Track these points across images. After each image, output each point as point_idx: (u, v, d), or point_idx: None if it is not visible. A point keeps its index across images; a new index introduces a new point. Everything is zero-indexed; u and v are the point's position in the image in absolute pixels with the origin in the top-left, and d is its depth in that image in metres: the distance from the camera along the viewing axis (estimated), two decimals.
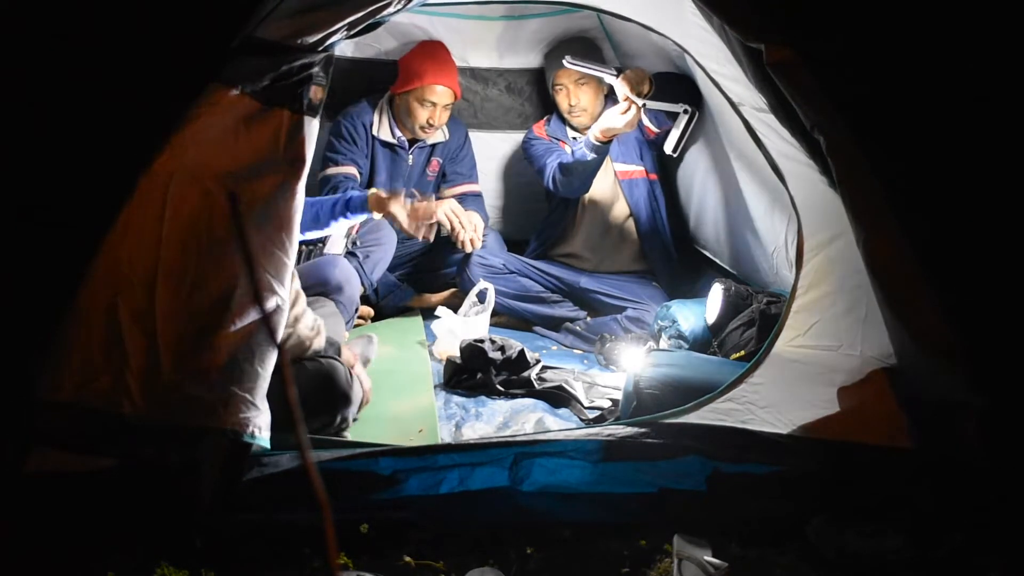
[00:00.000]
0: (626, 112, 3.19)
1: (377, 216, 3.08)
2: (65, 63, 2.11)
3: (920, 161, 2.10)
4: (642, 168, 3.68)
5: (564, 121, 3.77)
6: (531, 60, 4.12)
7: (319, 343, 2.43)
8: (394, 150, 3.78)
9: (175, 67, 2.09)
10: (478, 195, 3.96)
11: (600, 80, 3.54)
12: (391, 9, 2.19)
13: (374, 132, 3.73)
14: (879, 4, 2.20)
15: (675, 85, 3.26)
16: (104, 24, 2.13)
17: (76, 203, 2.09)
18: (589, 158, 3.41)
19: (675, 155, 3.19)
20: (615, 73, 3.16)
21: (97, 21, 2.13)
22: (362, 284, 3.38)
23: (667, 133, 3.18)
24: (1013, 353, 2.03)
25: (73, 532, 1.95)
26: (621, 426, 2.26)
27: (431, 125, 3.66)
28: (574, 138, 3.69)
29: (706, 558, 1.93)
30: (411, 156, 3.80)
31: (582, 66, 3.22)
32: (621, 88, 3.13)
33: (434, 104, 3.62)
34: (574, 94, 3.61)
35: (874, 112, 2.09)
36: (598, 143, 3.35)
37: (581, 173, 3.52)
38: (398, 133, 3.75)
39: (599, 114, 3.53)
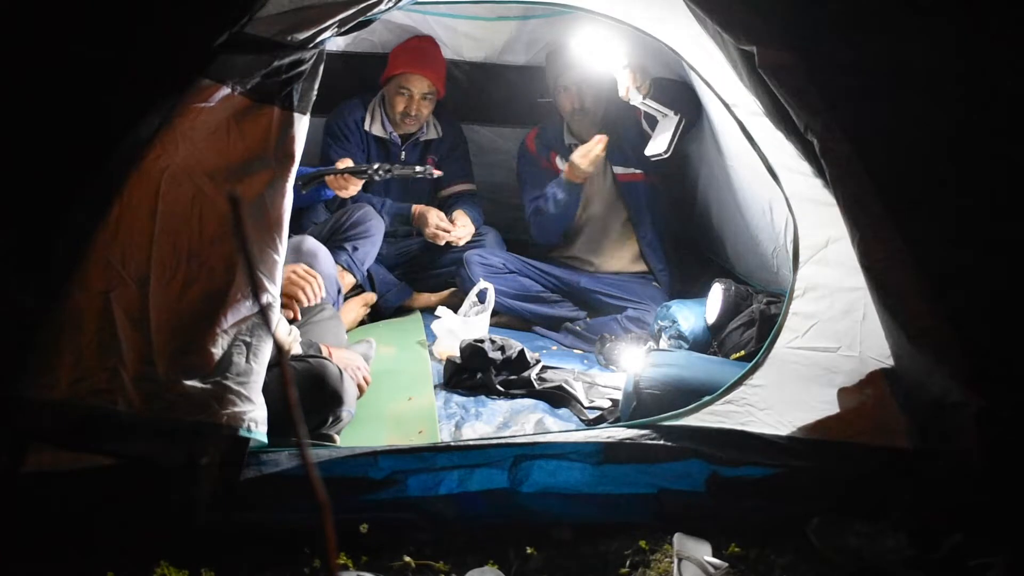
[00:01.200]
0: (588, 153, 3.36)
1: None
2: (54, 60, 2.11)
3: (914, 161, 2.10)
4: (641, 172, 3.68)
5: (560, 128, 3.75)
6: (529, 58, 4.11)
7: (296, 349, 2.44)
8: (386, 146, 3.78)
9: (165, 64, 2.09)
10: (473, 194, 3.97)
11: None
12: (382, 7, 2.19)
13: (366, 127, 3.74)
14: (872, 5, 2.20)
15: (680, 91, 3.26)
16: (93, 21, 2.13)
17: (66, 200, 2.09)
18: (560, 196, 3.52)
19: (666, 155, 3.19)
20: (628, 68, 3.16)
21: (85, 18, 2.13)
22: (354, 276, 3.41)
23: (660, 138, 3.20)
24: (1012, 353, 2.03)
25: (73, 532, 1.95)
26: (621, 428, 2.27)
27: (408, 114, 3.66)
28: (569, 145, 3.67)
29: (706, 558, 1.93)
30: (403, 152, 3.80)
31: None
32: (625, 79, 3.13)
33: (411, 93, 3.63)
34: (577, 98, 3.58)
35: (867, 113, 2.09)
36: (570, 183, 3.48)
37: (553, 217, 3.62)
38: (390, 128, 3.76)
39: (600, 120, 3.54)
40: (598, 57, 3.20)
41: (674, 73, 3.39)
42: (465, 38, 4.05)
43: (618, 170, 3.68)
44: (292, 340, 2.44)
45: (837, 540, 2.01)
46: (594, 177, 3.64)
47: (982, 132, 2.16)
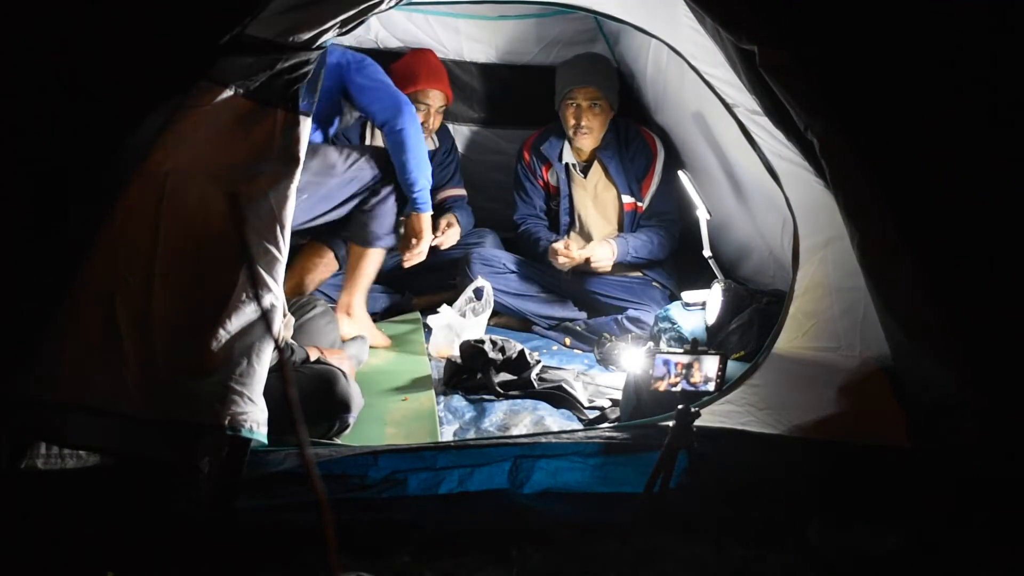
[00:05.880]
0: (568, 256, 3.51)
1: None
2: (55, 60, 2.11)
3: (915, 161, 2.10)
4: (632, 201, 3.68)
5: (562, 142, 3.70)
6: (530, 57, 4.10)
7: (289, 333, 2.43)
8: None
9: (167, 65, 2.09)
10: (463, 197, 3.95)
11: (611, 104, 3.57)
12: (383, 6, 2.19)
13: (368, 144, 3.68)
14: (873, 5, 2.20)
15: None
16: (94, 22, 2.13)
17: (71, 200, 2.09)
18: (542, 248, 3.65)
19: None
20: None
21: (87, 19, 2.13)
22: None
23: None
24: (1012, 352, 2.03)
25: (73, 531, 1.95)
26: (621, 428, 2.27)
27: (426, 127, 3.65)
28: (567, 165, 3.67)
29: None
30: None
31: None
32: None
33: (428, 106, 3.63)
34: (586, 115, 3.53)
35: (868, 113, 2.09)
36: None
37: (535, 256, 3.71)
38: None
39: (601, 138, 3.54)
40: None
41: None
42: (466, 38, 4.04)
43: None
44: (287, 323, 2.44)
45: (837, 540, 2.02)
46: (595, 202, 3.69)
47: (985, 131, 2.16)
